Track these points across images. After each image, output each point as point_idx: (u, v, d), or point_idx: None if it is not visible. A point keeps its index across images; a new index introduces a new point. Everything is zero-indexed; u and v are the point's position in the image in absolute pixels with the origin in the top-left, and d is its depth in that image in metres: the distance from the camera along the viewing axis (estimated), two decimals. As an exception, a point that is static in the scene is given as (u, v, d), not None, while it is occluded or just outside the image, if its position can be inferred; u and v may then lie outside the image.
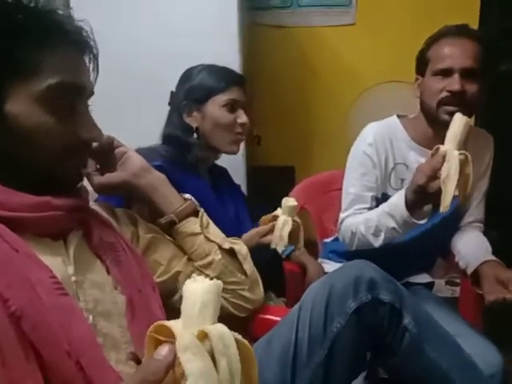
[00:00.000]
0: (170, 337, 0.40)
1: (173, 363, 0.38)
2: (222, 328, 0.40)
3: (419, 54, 1.15)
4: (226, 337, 0.40)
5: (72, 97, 0.58)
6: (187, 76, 1.08)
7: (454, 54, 1.05)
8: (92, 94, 0.63)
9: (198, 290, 0.41)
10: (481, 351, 0.91)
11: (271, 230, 0.98)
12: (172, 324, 0.40)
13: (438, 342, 0.75)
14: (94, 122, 0.62)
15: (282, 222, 0.98)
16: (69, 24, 0.59)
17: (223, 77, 1.05)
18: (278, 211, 1.00)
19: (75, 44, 0.59)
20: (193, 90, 1.05)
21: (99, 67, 0.64)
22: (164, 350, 0.39)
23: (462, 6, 1.83)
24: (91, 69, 0.62)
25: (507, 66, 1.76)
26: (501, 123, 1.68)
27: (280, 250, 0.98)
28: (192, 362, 0.38)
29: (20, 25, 0.55)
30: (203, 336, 0.39)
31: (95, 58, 0.63)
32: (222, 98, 1.03)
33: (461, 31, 1.08)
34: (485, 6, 1.83)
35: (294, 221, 0.98)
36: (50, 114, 0.56)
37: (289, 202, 0.99)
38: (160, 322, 0.41)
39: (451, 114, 0.96)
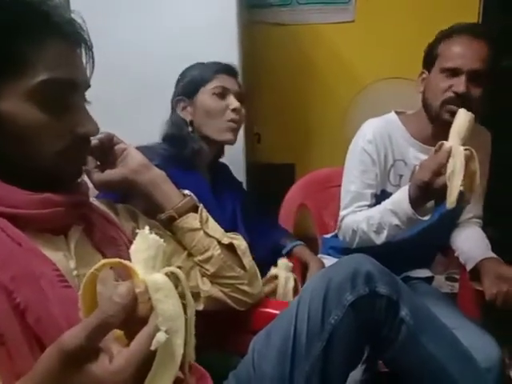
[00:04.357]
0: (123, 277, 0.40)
1: (132, 303, 0.38)
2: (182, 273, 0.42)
3: (428, 47, 1.14)
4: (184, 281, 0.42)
5: (65, 92, 0.56)
6: (181, 76, 1.11)
7: (464, 54, 1.04)
8: (88, 87, 0.61)
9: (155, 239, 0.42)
10: (479, 344, 0.91)
11: (273, 290, 1.03)
12: (132, 265, 0.41)
13: (435, 333, 0.76)
14: (89, 115, 0.60)
15: (284, 279, 1.04)
16: (58, 15, 0.56)
17: (209, 68, 1.07)
18: (274, 271, 1.06)
19: (66, 36, 0.57)
20: (184, 87, 1.08)
21: (95, 63, 0.61)
22: (123, 290, 0.39)
23: (462, 3, 1.83)
24: (86, 61, 0.60)
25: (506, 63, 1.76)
26: (498, 120, 1.69)
27: None
28: (164, 303, 0.39)
29: (6, 19, 0.52)
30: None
31: (89, 49, 0.60)
32: (210, 86, 1.05)
33: (474, 31, 1.07)
34: (486, 4, 1.83)
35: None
36: (44, 111, 0.54)
37: (284, 261, 1.09)
38: (113, 260, 0.41)
39: (453, 114, 0.96)
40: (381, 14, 1.90)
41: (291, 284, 1.04)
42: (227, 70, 1.08)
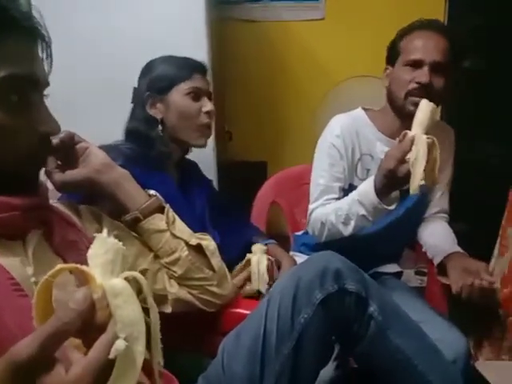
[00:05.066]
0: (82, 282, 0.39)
1: (89, 310, 0.37)
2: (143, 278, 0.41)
3: (390, 44, 1.17)
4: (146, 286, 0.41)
5: (26, 89, 0.54)
6: (148, 68, 1.06)
7: (425, 46, 1.08)
8: (47, 84, 0.59)
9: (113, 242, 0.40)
10: (446, 337, 0.93)
11: (248, 278, 1.00)
12: (89, 269, 0.39)
13: (402, 328, 0.77)
14: (50, 114, 0.58)
15: (256, 261, 1.00)
16: (15, 10, 0.53)
17: (184, 65, 1.04)
18: (248, 256, 1.02)
19: (25, 31, 0.54)
20: (155, 81, 1.03)
21: (53, 56, 0.59)
22: (79, 296, 0.37)
23: (431, 1, 1.87)
24: (44, 57, 0.58)
25: (471, 63, 1.82)
26: (463, 118, 1.75)
27: (263, 289, 0.98)
28: (123, 309, 0.37)
29: None
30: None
31: (48, 45, 0.58)
32: (185, 86, 1.02)
33: (433, 26, 1.11)
34: (451, 4, 1.88)
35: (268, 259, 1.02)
36: (4, 110, 0.52)
37: (259, 245, 1.05)
38: (69, 266, 0.39)
39: (417, 106, 0.98)
40: (350, 12, 1.93)
41: (264, 265, 0.99)
42: (201, 69, 1.06)
